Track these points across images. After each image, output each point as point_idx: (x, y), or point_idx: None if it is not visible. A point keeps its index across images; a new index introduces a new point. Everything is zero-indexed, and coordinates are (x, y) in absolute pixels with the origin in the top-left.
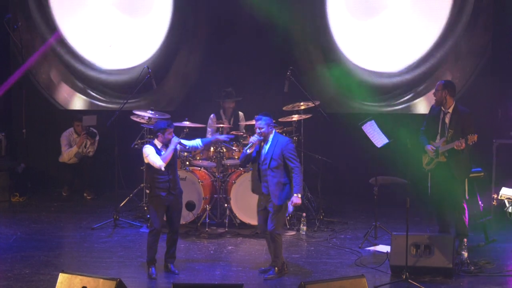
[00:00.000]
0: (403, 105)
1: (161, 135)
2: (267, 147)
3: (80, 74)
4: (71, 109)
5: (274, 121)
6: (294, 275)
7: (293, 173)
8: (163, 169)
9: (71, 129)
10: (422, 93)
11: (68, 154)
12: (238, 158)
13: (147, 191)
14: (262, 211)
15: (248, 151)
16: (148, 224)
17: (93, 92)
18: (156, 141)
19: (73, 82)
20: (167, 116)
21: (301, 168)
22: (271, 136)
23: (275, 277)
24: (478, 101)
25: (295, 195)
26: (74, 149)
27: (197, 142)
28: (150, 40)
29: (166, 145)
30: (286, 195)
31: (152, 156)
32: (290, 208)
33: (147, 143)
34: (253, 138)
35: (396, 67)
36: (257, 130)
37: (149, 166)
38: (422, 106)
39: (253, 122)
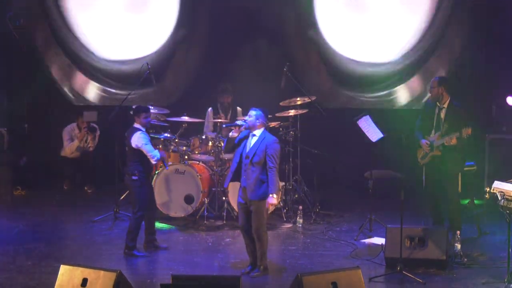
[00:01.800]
0: (397, 102)
1: (137, 119)
2: (253, 141)
3: (88, 65)
4: (74, 105)
5: (267, 120)
6: (290, 267)
7: (269, 172)
8: (157, 158)
9: (74, 124)
10: (416, 88)
11: (70, 148)
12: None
13: (134, 178)
14: (243, 207)
15: (230, 134)
16: (136, 209)
17: (97, 85)
18: (137, 125)
19: (82, 73)
20: (166, 111)
21: (277, 172)
22: (259, 132)
23: (261, 274)
24: (470, 95)
25: (270, 195)
26: (76, 142)
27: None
28: (153, 35)
29: (146, 129)
30: (263, 193)
31: (149, 146)
32: (271, 202)
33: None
34: (239, 122)
35: (385, 58)
36: (246, 117)
37: (137, 151)
38: (415, 101)
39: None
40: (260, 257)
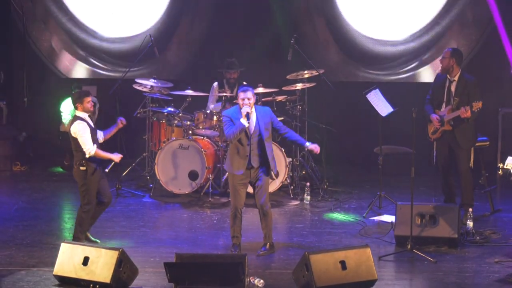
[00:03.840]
0: (408, 74)
1: (80, 105)
2: (254, 118)
3: (82, 42)
4: (72, 78)
5: None
6: (297, 245)
7: (290, 131)
8: (91, 154)
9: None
10: (427, 61)
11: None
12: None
13: (82, 168)
14: (243, 188)
15: (247, 124)
16: (85, 202)
17: (95, 61)
18: (79, 113)
19: (75, 50)
20: (170, 84)
21: None
22: (252, 108)
23: (268, 252)
24: (483, 69)
25: (307, 143)
26: None
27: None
28: (152, 8)
29: (89, 115)
30: (275, 163)
31: (86, 137)
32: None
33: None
34: (247, 109)
35: (401, 35)
36: (245, 101)
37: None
38: (427, 74)
39: (256, 91)
40: (267, 234)
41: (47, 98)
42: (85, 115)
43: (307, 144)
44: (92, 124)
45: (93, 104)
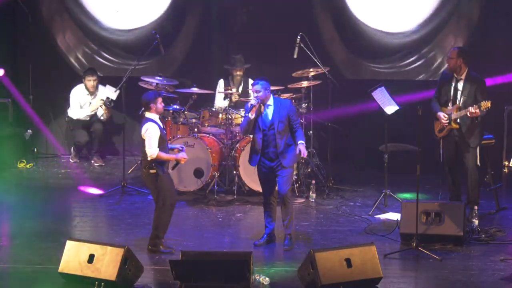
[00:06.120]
0: (413, 71)
1: (154, 106)
2: (270, 111)
3: (94, 35)
4: (81, 70)
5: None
6: (303, 243)
7: (299, 129)
8: (153, 157)
9: (81, 85)
10: (426, 55)
11: (80, 113)
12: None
13: (152, 171)
14: (267, 180)
15: (251, 116)
16: (161, 203)
17: (106, 54)
18: (151, 115)
19: (87, 44)
20: (175, 82)
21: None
22: (271, 101)
23: (293, 245)
24: (488, 67)
25: (300, 142)
26: (88, 110)
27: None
28: (157, 2)
29: (159, 117)
30: (293, 157)
31: (153, 140)
32: (304, 152)
33: (147, 121)
34: (252, 101)
35: (403, 27)
36: (254, 94)
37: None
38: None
39: None
40: (288, 225)
41: (53, 95)
42: (156, 117)
43: (299, 142)
44: (163, 127)
45: (163, 105)
